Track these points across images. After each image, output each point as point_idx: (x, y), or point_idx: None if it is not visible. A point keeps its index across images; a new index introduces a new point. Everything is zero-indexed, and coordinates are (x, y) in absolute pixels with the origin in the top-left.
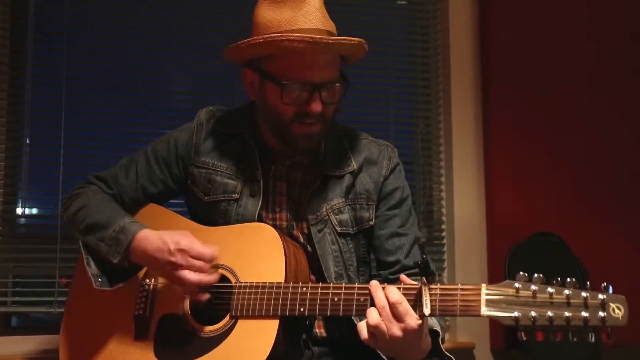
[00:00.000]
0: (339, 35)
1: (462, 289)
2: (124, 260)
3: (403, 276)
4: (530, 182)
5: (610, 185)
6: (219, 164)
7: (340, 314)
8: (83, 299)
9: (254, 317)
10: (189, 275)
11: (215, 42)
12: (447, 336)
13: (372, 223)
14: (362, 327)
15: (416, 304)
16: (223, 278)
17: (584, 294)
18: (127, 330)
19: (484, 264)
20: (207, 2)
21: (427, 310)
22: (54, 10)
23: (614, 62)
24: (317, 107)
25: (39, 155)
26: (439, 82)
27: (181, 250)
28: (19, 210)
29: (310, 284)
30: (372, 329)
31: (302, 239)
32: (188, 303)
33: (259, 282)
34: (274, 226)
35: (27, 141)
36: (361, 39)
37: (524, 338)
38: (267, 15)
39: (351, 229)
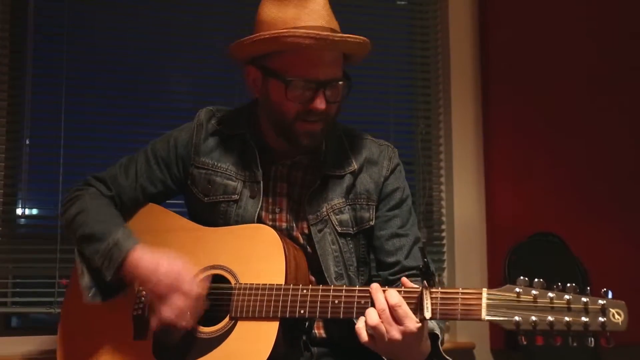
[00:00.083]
0: None
1: (463, 293)
2: (117, 276)
3: (404, 279)
4: (530, 182)
5: (610, 185)
6: (218, 164)
7: (341, 316)
8: (80, 300)
9: (253, 318)
10: (166, 313)
11: (215, 42)
12: (447, 336)
13: (372, 223)
14: (361, 330)
15: (417, 307)
16: (223, 279)
17: (584, 299)
18: (125, 331)
19: (484, 264)
20: (207, 2)
21: (428, 314)
22: (54, 10)
23: (613, 61)
24: (321, 104)
25: (39, 156)
26: (439, 82)
27: (168, 286)
28: (19, 211)
29: (310, 286)
30: (371, 330)
31: (302, 240)
32: None
33: (259, 284)
34: (274, 227)
35: (27, 141)
36: (366, 38)
37: (524, 342)
38: (272, 13)
39: (351, 229)
